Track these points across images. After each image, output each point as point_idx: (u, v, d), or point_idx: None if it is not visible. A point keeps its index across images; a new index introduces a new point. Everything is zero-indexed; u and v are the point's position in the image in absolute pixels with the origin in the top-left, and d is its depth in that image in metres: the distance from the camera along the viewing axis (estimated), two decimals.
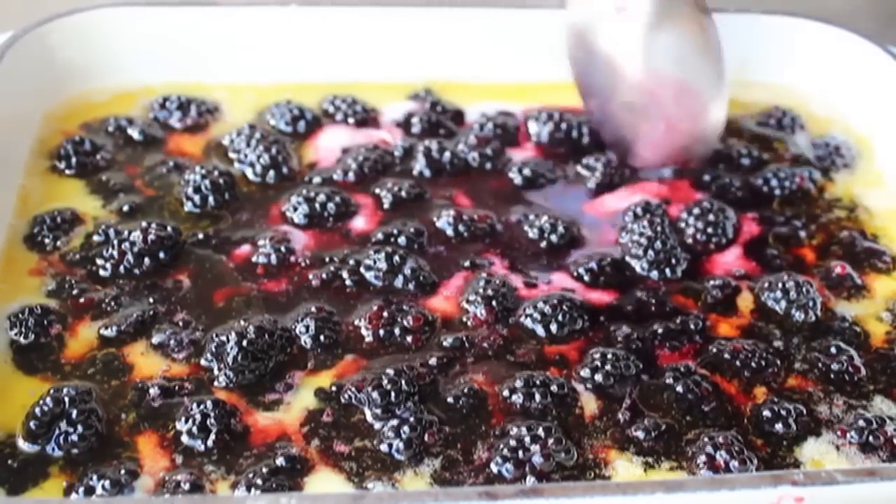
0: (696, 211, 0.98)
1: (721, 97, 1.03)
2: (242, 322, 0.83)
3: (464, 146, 1.05)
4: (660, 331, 0.87)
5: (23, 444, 0.75)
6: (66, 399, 0.75)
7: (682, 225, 0.98)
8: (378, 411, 0.78)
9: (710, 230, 0.97)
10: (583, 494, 0.64)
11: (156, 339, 0.83)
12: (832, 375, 0.84)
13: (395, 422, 0.77)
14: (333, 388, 0.80)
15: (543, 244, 0.96)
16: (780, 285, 0.90)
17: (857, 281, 0.94)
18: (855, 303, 0.92)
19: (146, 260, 0.89)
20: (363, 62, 1.14)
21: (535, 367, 0.83)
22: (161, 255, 0.89)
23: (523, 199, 1.01)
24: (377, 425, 0.78)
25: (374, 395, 0.78)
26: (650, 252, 0.92)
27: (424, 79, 1.14)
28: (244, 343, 0.80)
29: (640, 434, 0.78)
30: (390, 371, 0.79)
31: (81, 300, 0.86)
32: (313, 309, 0.86)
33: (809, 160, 1.09)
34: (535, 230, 0.97)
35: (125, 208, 0.95)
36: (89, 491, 0.71)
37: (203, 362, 0.81)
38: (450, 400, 0.80)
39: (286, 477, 0.73)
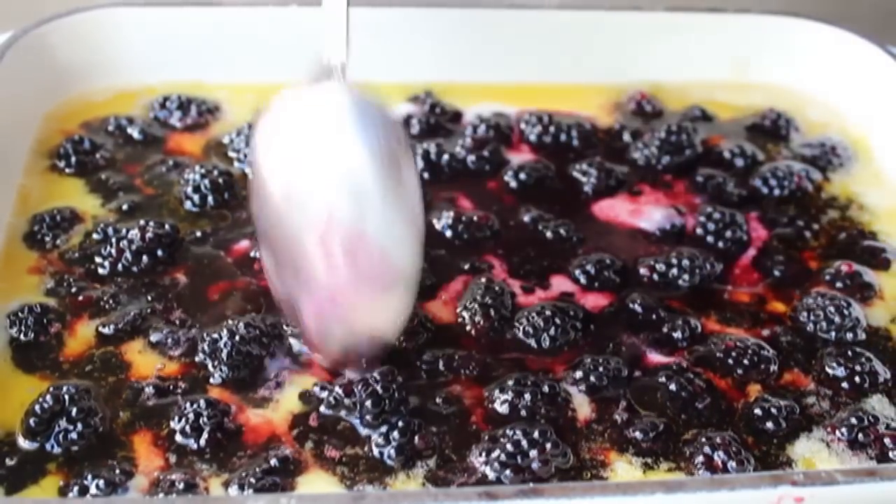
0: (715, 216, 0.98)
1: (411, 282, 0.77)
2: (236, 319, 0.83)
3: (461, 149, 1.05)
4: (654, 335, 0.87)
5: (22, 442, 0.75)
6: (66, 397, 0.75)
7: (702, 233, 0.98)
8: (368, 417, 0.77)
9: (728, 235, 0.97)
10: (583, 495, 0.64)
11: (153, 338, 0.83)
12: (856, 379, 0.84)
13: (384, 427, 0.76)
14: (325, 389, 0.79)
15: (542, 247, 0.96)
16: (822, 314, 0.88)
17: (866, 278, 0.93)
18: (870, 304, 0.92)
19: (144, 258, 0.89)
20: (364, 63, 1.13)
21: (530, 371, 0.83)
22: (159, 252, 0.89)
23: (523, 201, 1.01)
24: (366, 429, 0.77)
25: (364, 396, 0.77)
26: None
27: (426, 80, 1.14)
28: (237, 340, 0.80)
29: (638, 435, 0.78)
30: (381, 373, 0.79)
31: (80, 298, 0.86)
32: None
33: (805, 160, 1.08)
34: (535, 233, 0.97)
35: (125, 207, 0.95)
36: (83, 490, 0.71)
37: (197, 360, 0.81)
38: (442, 402, 0.80)
39: (279, 477, 0.73)
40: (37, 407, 0.74)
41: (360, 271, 0.74)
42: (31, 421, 0.74)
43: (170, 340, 0.83)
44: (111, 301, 0.86)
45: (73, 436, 0.74)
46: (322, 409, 0.78)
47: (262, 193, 0.75)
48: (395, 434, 0.75)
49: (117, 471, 0.73)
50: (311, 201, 0.73)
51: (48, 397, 0.75)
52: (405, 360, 0.83)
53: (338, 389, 0.78)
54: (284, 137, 0.75)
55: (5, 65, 0.99)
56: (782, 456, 0.78)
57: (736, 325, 0.89)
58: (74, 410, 0.75)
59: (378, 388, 0.78)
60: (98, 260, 0.89)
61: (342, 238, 0.73)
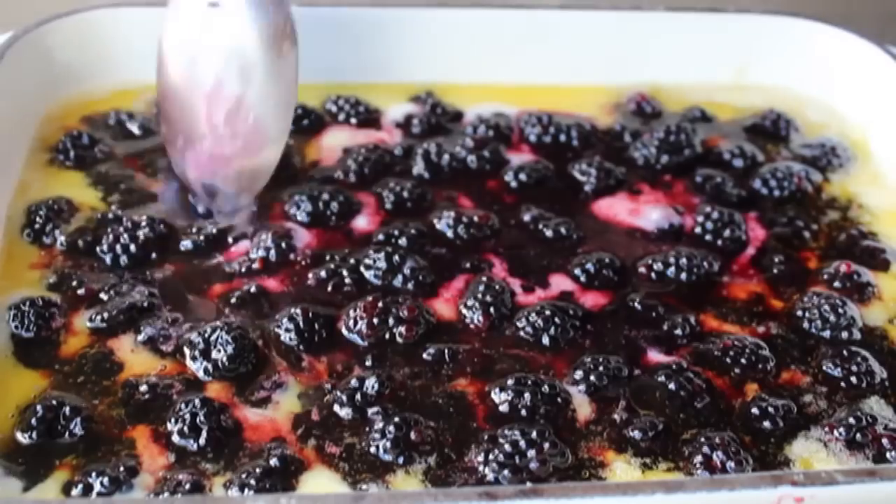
0: (714, 216, 0.98)
1: (278, 145, 0.96)
2: (234, 318, 0.83)
3: (461, 148, 1.05)
4: (653, 334, 0.87)
5: (22, 438, 0.75)
6: (61, 413, 0.75)
7: (700, 232, 0.98)
8: (368, 413, 0.77)
9: (727, 234, 0.97)
10: (582, 495, 0.64)
11: (148, 335, 0.83)
12: (853, 379, 0.83)
13: (381, 422, 0.76)
14: (322, 388, 0.80)
15: (542, 246, 0.96)
16: (817, 312, 0.88)
17: (864, 278, 0.93)
18: (867, 304, 0.92)
19: (143, 253, 0.89)
20: (366, 63, 1.13)
21: (529, 371, 0.83)
22: (159, 249, 0.90)
23: (523, 200, 1.01)
24: (365, 425, 0.77)
25: (359, 394, 0.78)
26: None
27: (426, 80, 1.14)
28: (235, 339, 0.80)
29: (637, 434, 0.78)
30: (380, 370, 0.79)
31: (77, 294, 0.86)
32: (307, 306, 0.85)
33: (805, 160, 1.08)
34: (535, 232, 0.97)
35: (124, 201, 0.96)
36: (88, 489, 0.71)
37: (194, 359, 0.81)
38: (441, 401, 0.80)
39: (279, 477, 0.73)
40: (32, 420, 0.75)
41: (235, 132, 0.93)
42: (26, 437, 0.74)
43: (165, 338, 0.83)
44: (110, 294, 0.86)
45: (72, 440, 0.74)
46: (323, 405, 0.78)
47: (165, 70, 0.94)
48: (391, 428, 0.75)
49: (121, 468, 0.72)
50: (203, 73, 0.92)
51: (40, 410, 0.75)
52: (409, 354, 0.83)
53: (338, 386, 0.78)
54: (186, 19, 0.93)
55: (5, 64, 0.98)
56: (780, 456, 0.78)
57: (733, 322, 0.89)
58: (69, 422, 0.75)
59: (376, 383, 0.78)
60: (97, 253, 0.89)
61: (225, 103, 0.92)
